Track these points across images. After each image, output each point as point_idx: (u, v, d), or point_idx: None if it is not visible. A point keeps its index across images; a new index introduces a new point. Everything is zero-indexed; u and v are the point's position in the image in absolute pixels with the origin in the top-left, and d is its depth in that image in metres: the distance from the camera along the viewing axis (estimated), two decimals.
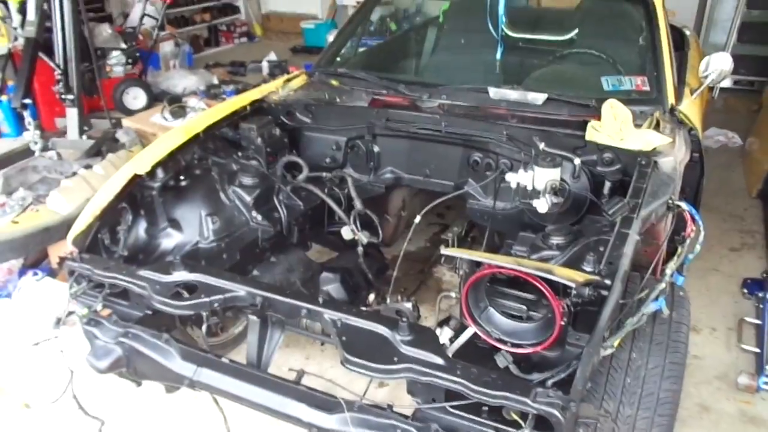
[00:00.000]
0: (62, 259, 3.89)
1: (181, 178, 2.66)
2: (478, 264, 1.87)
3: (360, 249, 3.05)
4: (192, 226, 2.61)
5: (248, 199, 2.76)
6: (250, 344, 2.01)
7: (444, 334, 2.42)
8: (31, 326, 3.22)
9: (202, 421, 2.84)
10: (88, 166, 4.17)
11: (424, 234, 4.44)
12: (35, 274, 3.64)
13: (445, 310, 3.23)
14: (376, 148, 3.07)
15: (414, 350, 1.74)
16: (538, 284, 1.71)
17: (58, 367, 2.96)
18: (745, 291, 3.67)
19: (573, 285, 1.67)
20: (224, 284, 2.05)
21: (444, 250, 1.95)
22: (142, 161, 2.55)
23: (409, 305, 2.69)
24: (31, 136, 5.23)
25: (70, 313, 2.29)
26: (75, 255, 2.25)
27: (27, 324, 3.25)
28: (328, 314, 1.89)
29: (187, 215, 2.63)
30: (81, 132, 5.64)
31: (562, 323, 1.71)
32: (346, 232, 3.08)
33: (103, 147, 5.11)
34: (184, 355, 1.98)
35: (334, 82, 3.31)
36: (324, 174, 3.10)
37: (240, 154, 2.98)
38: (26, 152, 5.24)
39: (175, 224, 2.59)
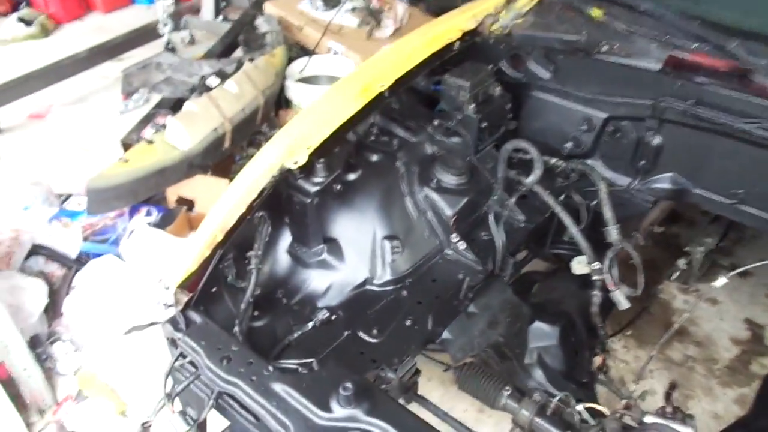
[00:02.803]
0: (180, 200, 3.15)
1: (350, 172, 1.66)
2: None
3: (596, 297, 1.96)
4: (359, 253, 1.64)
5: (449, 212, 1.73)
6: None
7: None
8: (133, 299, 2.52)
9: None
10: (220, 74, 3.26)
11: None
12: (148, 214, 2.91)
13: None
14: (656, 140, 1.86)
15: None
16: None
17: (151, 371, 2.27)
18: None
19: None
20: None
21: None
22: (293, 144, 1.56)
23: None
24: (163, 7, 4.39)
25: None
26: (180, 315, 1.37)
27: (131, 290, 2.55)
28: None
29: (353, 235, 1.65)
30: (217, 10, 4.74)
31: None
32: (579, 266, 1.99)
33: (240, 35, 4.18)
34: None
35: (595, 12, 2.03)
36: (555, 162, 1.97)
37: (437, 123, 1.90)
38: (152, 32, 4.43)
39: (334, 248, 1.63)
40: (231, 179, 3.14)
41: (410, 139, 1.81)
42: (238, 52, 4.02)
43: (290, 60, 3.83)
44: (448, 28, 1.98)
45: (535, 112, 2.05)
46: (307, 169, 1.53)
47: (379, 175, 1.71)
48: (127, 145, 3.07)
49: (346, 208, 1.65)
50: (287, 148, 1.54)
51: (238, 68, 3.21)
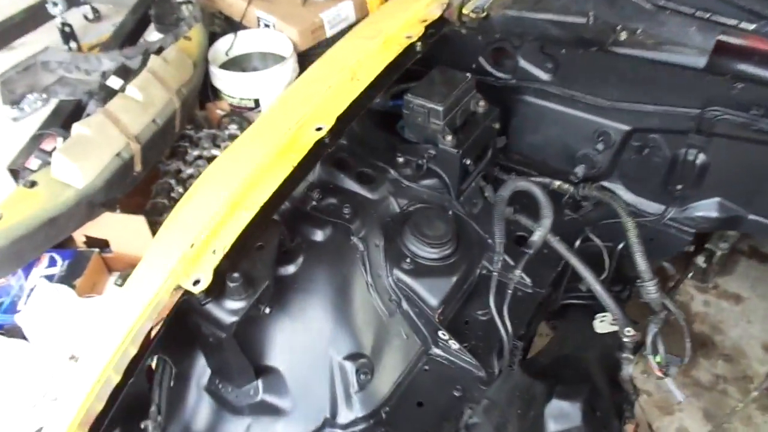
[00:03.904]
0: (90, 240, 2.57)
1: (285, 265, 1.14)
2: None
3: (627, 361, 1.51)
4: (311, 385, 1.14)
5: (434, 302, 1.23)
6: None
7: None
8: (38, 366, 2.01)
9: None
10: (123, 71, 2.62)
11: None
12: (52, 263, 2.34)
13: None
14: (700, 158, 1.37)
15: None
16: None
17: None
18: None
19: None
20: None
21: None
22: (191, 251, 1.01)
23: None
24: None
25: None
26: None
27: (34, 375, 2.03)
28: None
29: (300, 359, 1.14)
30: None
31: None
32: (603, 326, 1.54)
33: (151, 9, 3.46)
34: None
35: None
36: (560, 185, 1.49)
37: (402, 160, 1.37)
38: (42, 13, 3.66)
39: (273, 383, 1.12)
40: (150, 207, 2.57)
41: (367, 195, 1.28)
42: (152, 33, 3.33)
43: (213, 37, 3.18)
44: (404, 22, 1.41)
45: (531, 124, 1.53)
46: (218, 288, 1.00)
47: (329, 260, 1.19)
48: (15, 173, 2.45)
49: (286, 320, 1.13)
50: (182, 257, 1.00)
51: (144, 62, 2.56)
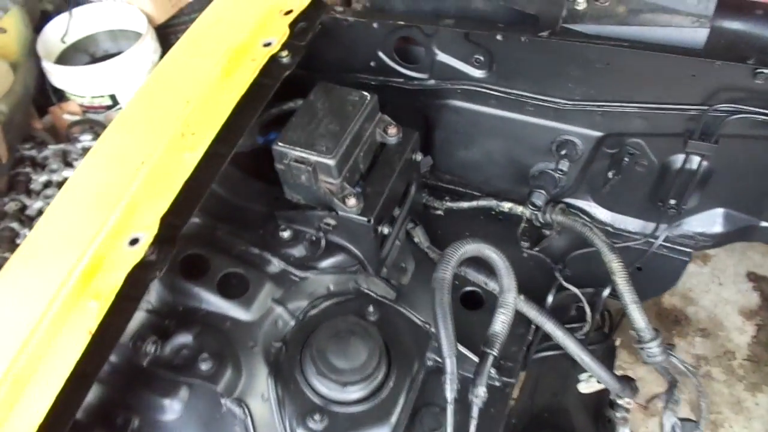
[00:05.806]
0: None
1: None
2: None
3: (622, 421, 1.18)
4: None
5: None
6: None
7: None
8: None
9: None
10: None
11: None
12: None
13: None
14: (703, 166, 0.98)
15: None
16: None
17: None
18: None
19: None
20: None
21: None
22: None
23: None
24: None
25: None
26: None
27: None
28: None
29: None
30: None
31: None
32: (588, 386, 1.19)
33: None
34: None
35: None
36: (511, 208, 1.10)
37: (286, 235, 0.92)
38: None
39: None
40: None
41: (239, 315, 0.83)
42: None
43: (44, 16, 2.50)
44: (257, 20, 0.92)
45: (462, 137, 1.10)
46: None
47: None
48: None
49: None
50: None
51: None
